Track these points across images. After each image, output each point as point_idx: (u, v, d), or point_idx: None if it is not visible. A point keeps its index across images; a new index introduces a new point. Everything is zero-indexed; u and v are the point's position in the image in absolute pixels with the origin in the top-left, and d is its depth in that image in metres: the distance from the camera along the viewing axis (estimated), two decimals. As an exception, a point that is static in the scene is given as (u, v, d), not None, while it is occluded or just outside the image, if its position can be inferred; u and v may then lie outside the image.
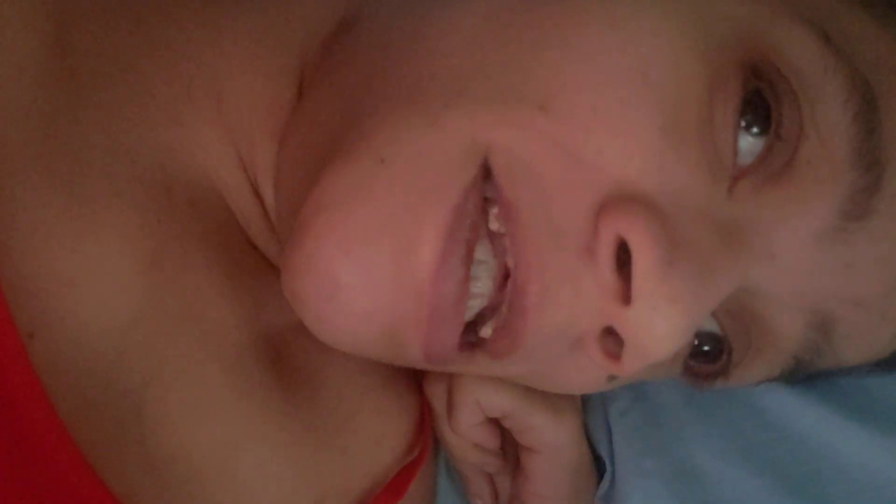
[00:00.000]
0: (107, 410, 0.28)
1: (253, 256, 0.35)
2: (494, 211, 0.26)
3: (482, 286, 0.27)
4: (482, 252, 0.27)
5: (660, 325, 0.25)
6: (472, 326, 0.28)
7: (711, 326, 0.31)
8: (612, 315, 0.26)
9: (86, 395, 0.28)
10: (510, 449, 0.41)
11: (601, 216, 0.26)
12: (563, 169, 0.26)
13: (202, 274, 0.32)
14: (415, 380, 0.42)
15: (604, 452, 0.41)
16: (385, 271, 0.26)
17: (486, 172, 0.26)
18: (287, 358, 0.35)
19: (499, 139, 0.26)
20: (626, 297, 0.25)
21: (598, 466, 0.42)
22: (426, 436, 0.40)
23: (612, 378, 0.30)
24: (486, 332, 0.28)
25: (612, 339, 0.27)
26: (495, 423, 0.40)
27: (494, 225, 0.26)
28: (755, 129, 0.27)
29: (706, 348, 0.31)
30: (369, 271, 0.26)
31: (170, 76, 0.32)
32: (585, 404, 0.42)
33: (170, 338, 0.30)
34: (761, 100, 0.27)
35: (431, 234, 0.25)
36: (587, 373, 0.29)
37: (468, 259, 0.26)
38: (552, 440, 0.39)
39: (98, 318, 0.28)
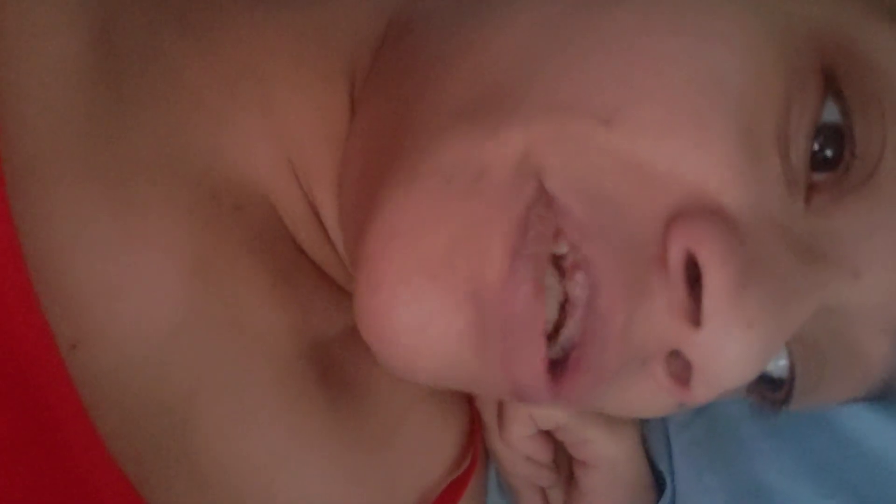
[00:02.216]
0: (151, 423, 0.28)
1: (301, 262, 0.34)
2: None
3: (549, 310, 0.25)
4: (548, 277, 0.25)
5: (732, 351, 0.23)
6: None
7: (780, 352, 0.29)
8: (681, 337, 0.24)
9: (129, 408, 0.27)
10: (564, 462, 0.40)
11: (671, 228, 0.24)
12: (634, 183, 0.24)
13: (248, 281, 0.31)
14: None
15: (663, 467, 0.40)
16: (464, 292, 0.24)
17: (541, 191, 0.25)
18: (334, 368, 0.34)
19: (553, 159, 0.24)
20: (695, 318, 0.23)
21: (658, 482, 0.40)
22: (476, 448, 0.39)
23: (683, 404, 0.28)
24: (555, 352, 0.25)
25: (680, 362, 0.25)
26: (548, 435, 0.39)
27: (561, 248, 0.25)
28: (832, 140, 0.25)
29: (773, 375, 0.29)
30: (452, 293, 0.24)
31: (215, 79, 0.31)
32: (644, 416, 0.40)
33: (215, 347, 0.30)
34: (839, 107, 0.25)
35: (498, 250, 0.24)
36: (655, 398, 0.28)
37: (538, 272, 0.24)
38: (608, 454, 0.38)
39: (142, 326, 0.28)
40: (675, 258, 0.24)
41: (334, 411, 0.33)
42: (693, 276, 0.24)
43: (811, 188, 0.25)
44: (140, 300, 0.28)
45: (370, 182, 0.28)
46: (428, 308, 0.24)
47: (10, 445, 0.23)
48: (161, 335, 0.28)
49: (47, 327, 0.24)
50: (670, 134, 0.24)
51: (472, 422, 0.40)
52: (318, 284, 0.34)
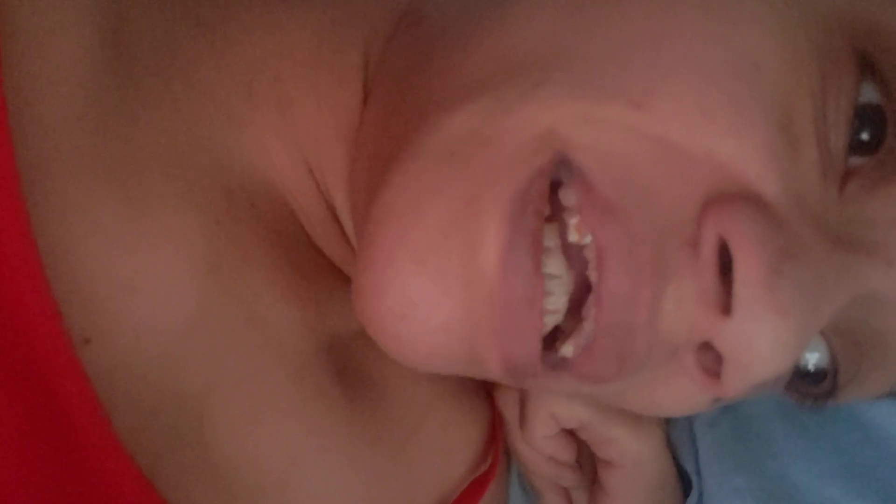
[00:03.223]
0: (166, 419, 0.28)
1: (317, 259, 0.34)
2: (574, 221, 0.24)
3: (555, 301, 0.24)
4: (555, 265, 0.24)
5: (764, 340, 0.22)
6: (550, 344, 0.25)
7: (817, 344, 0.28)
8: (711, 327, 0.23)
9: (144, 403, 0.27)
10: (587, 462, 0.40)
11: (707, 211, 0.23)
12: (667, 162, 0.23)
13: (264, 278, 0.31)
14: (485, 388, 0.40)
15: (690, 467, 0.39)
16: (456, 276, 0.24)
17: (558, 169, 0.24)
18: (352, 365, 0.34)
19: (581, 137, 0.24)
20: (726, 307, 0.23)
21: (684, 482, 0.39)
22: (497, 447, 0.39)
23: (717, 400, 0.27)
24: (566, 350, 0.25)
25: (711, 354, 0.24)
26: (571, 434, 0.38)
27: (574, 236, 0.24)
28: (869, 126, 0.24)
29: (811, 368, 0.28)
30: (442, 280, 0.24)
31: (229, 76, 0.31)
32: (669, 415, 0.39)
33: (231, 343, 0.29)
34: (878, 88, 0.24)
35: (493, 223, 0.23)
36: (685, 395, 0.27)
37: (535, 250, 0.23)
38: (633, 453, 0.37)
39: (156, 322, 0.27)
40: (709, 242, 0.23)
41: (352, 409, 0.33)
42: (724, 264, 0.23)
43: (846, 174, 0.25)
44: (154, 296, 0.27)
45: (377, 168, 0.28)
46: (412, 295, 0.24)
47: (24, 439, 0.23)
48: (176, 331, 0.28)
49: (61, 322, 0.24)
50: (706, 118, 0.23)
51: (494, 421, 0.39)
52: (335, 281, 0.34)
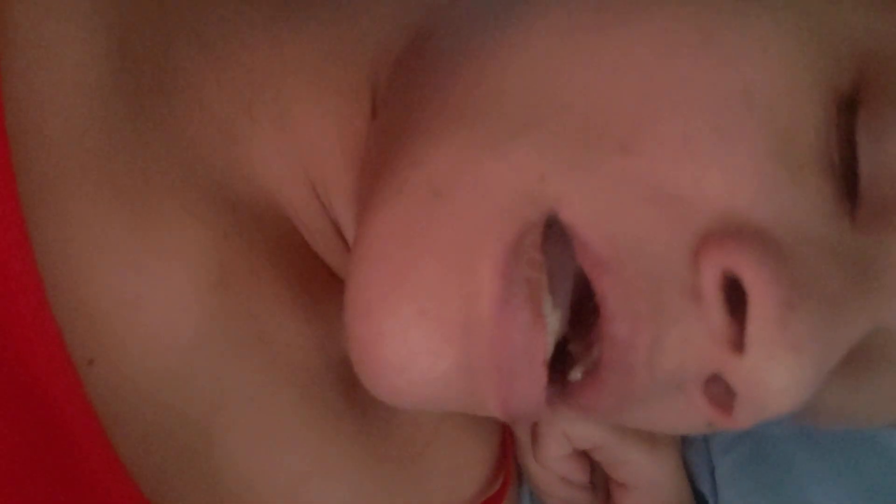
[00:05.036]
0: (172, 439, 0.27)
1: (323, 275, 0.33)
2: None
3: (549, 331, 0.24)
4: (545, 307, 0.24)
5: (780, 377, 0.21)
6: (556, 368, 0.25)
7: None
8: (723, 364, 0.23)
9: (150, 423, 0.27)
10: (601, 483, 0.39)
11: (702, 251, 0.22)
12: (655, 208, 0.23)
13: (271, 294, 0.30)
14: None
15: (706, 490, 0.38)
16: (456, 324, 0.23)
17: (550, 223, 0.23)
18: (360, 382, 0.33)
19: (572, 189, 0.23)
20: (738, 344, 0.22)
21: (699, 504, 0.39)
22: (509, 466, 0.38)
23: (711, 426, 0.27)
24: (575, 375, 0.25)
25: (721, 386, 0.24)
26: (584, 454, 0.38)
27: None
28: (876, 151, 0.24)
29: None
30: (443, 329, 0.23)
31: (231, 94, 0.30)
32: (685, 436, 0.39)
33: (238, 361, 0.29)
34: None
35: (489, 274, 0.23)
36: (686, 417, 0.26)
37: (532, 300, 0.23)
38: (648, 476, 0.36)
39: (163, 340, 0.27)
40: (710, 283, 0.22)
41: (361, 427, 0.32)
42: (732, 299, 0.22)
43: (861, 203, 0.24)
44: (161, 313, 0.27)
45: (367, 194, 0.27)
46: (413, 346, 0.23)
47: (25, 463, 0.22)
48: (183, 348, 0.28)
49: (62, 344, 0.23)
50: (691, 152, 0.22)
51: (505, 439, 0.39)
52: (342, 297, 0.33)
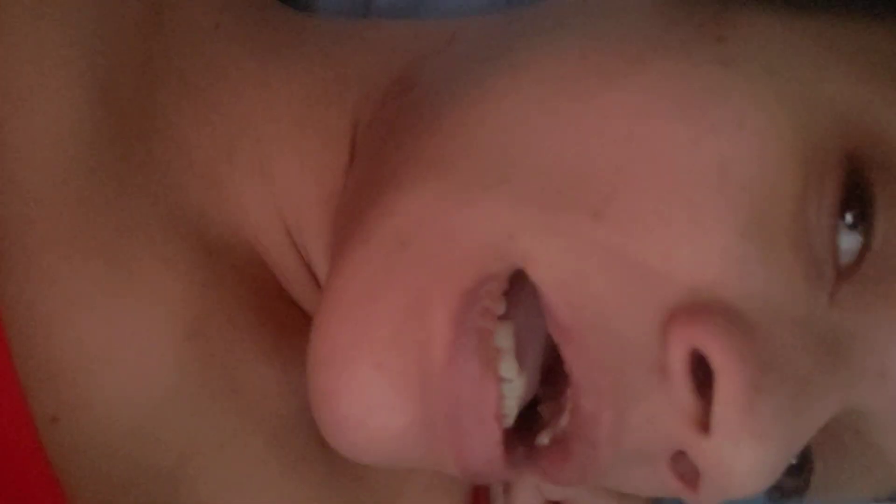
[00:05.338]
0: (138, 494, 0.27)
1: (300, 321, 0.33)
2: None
3: (506, 406, 0.24)
4: (507, 369, 0.23)
5: (743, 462, 0.21)
6: (524, 429, 0.25)
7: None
8: (688, 443, 0.23)
9: (116, 479, 0.26)
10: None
11: (669, 327, 0.22)
12: (623, 280, 0.23)
13: (246, 341, 0.30)
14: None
15: (677, 545, 0.37)
16: (411, 377, 0.23)
17: (515, 279, 0.23)
18: None
19: (541, 251, 0.23)
20: (704, 424, 0.22)
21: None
22: (480, 515, 0.37)
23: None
24: (542, 440, 0.24)
25: (688, 463, 0.24)
26: (557, 506, 0.37)
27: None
28: (859, 228, 0.23)
29: (791, 461, 0.27)
30: (398, 383, 0.23)
31: (211, 140, 0.30)
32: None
33: (209, 411, 0.29)
34: (864, 194, 0.23)
35: (440, 324, 0.23)
36: (654, 484, 0.26)
37: (484, 352, 0.23)
38: None
39: (130, 395, 0.27)
40: (677, 361, 0.22)
41: (332, 474, 0.32)
42: (699, 374, 0.22)
43: (839, 279, 0.24)
44: (130, 367, 0.27)
45: (338, 243, 0.27)
46: (369, 401, 0.23)
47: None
48: (152, 402, 0.27)
49: (24, 402, 0.23)
50: (662, 225, 0.22)
51: (478, 488, 0.38)
52: None
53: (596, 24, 0.26)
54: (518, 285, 0.24)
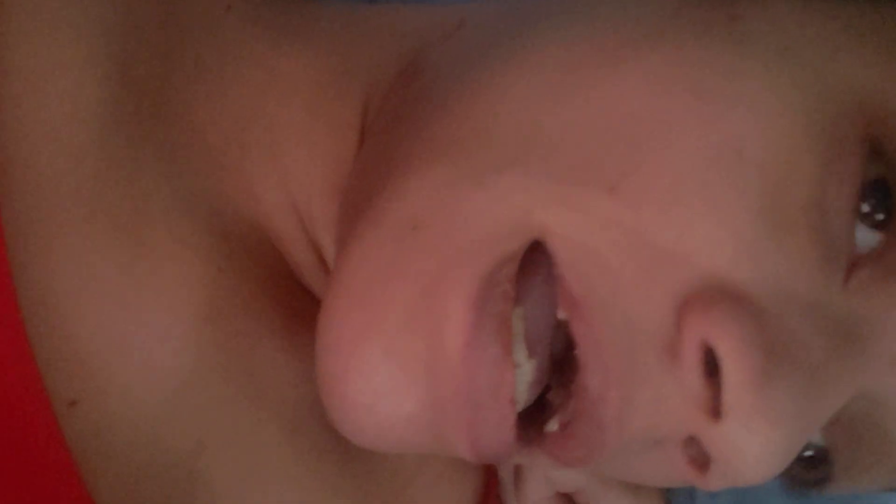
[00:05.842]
0: (155, 480, 0.27)
1: (311, 307, 0.33)
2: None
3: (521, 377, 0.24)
4: (517, 354, 0.23)
5: (755, 448, 0.21)
6: (535, 417, 0.25)
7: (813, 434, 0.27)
8: (699, 428, 0.22)
9: (132, 464, 0.27)
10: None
11: (684, 315, 0.22)
12: (637, 259, 0.22)
13: (261, 327, 0.30)
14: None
15: (688, 538, 0.38)
16: (422, 362, 0.23)
17: (533, 257, 0.23)
18: None
19: (557, 225, 0.23)
20: (715, 410, 0.22)
21: (681, 553, 0.38)
22: (491, 505, 0.38)
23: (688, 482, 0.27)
24: (551, 426, 0.24)
25: (699, 447, 0.23)
26: (567, 497, 0.37)
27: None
28: (878, 216, 0.23)
29: (807, 453, 0.27)
30: (409, 368, 0.23)
31: (223, 123, 0.30)
32: (669, 483, 0.38)
33: (226, 397, 0.29)
34: (884, 183, 0.23)
35: (458, 306, 0.22)
36: (665, 472, 0.26)
37: (503, 335, 0.22)
38: None
39: (149, 378, 0.27)
40: (691, 349, 0.22)
41: (343, 464, 0.32)
42: (709, 360, 0.22)
43: (854, 263, 0.23)
44: (148, 351, 0.27)
45: (347, 227, 0.27)
46: (379, 385, 0.23)
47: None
48: (169, 387, 0.27)
49: (42, 386, 0.23)
50: (677, 205, 0.22)
51: (488, 479, 0.38)
52: None
53: (608, 2, 0.26)
54: (527, 270, 0.24)
